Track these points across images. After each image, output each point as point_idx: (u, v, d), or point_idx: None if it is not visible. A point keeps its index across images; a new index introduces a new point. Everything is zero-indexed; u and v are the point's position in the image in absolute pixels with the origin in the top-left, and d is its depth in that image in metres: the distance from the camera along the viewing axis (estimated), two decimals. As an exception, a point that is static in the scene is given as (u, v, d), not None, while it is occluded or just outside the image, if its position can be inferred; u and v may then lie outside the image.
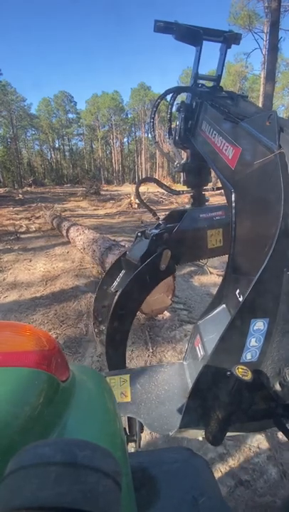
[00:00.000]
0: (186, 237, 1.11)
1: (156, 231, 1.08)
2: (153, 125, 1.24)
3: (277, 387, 0.68)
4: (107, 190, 25.32)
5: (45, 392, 0.39)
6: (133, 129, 54.63)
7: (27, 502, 0.20)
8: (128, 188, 22.57)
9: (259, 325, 0.66)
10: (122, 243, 3.39)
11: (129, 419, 0.92)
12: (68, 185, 37.72)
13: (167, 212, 1.29)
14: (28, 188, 25.45)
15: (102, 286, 1.26)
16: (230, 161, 0.78)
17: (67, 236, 5.37)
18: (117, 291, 1.21)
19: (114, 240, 3.11)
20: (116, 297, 1.09)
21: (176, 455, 0.61)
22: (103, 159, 56.24)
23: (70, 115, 52.90)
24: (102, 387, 0.53)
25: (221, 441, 0.72)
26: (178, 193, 1.37)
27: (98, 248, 3.53)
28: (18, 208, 12.24)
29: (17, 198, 16.43)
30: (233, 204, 0.78)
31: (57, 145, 55.52)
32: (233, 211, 0.78)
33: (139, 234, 1.19)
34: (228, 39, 1.05)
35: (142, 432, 0.92)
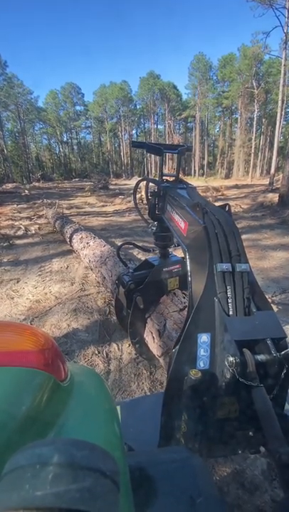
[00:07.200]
0: (153, 286, 1.58)
1: (131, 282, 1.55)
2: (136, 204, 1.77)
3: (222, 385, 0.81)
4: (115, 184, 24.24)
5: (43, 392, 0.39)
6: (142, 120, 52.82)
7: (25, 502, 0.20)
8: (138, 182, 21.35)
9: (204, 338, 0.87)
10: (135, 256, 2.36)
11: None
12: (77, 179, 36.76)
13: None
14: (36, 184, 24.67)
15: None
16: (183, 230, 1.11)
17: (70, 245, 4.41)
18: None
19: (126, 265, 2.17)
20: (128, 323, 1.62)
21: (174, 455, 0.61)
22: (111, 152, 54.85)
23: (78, 107, 51.51)
24: (100, 386, 0.53)
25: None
26: (149, 250, 1.86)
27: (108, 274, 2.57)
28: (22, 206, 11.44)
29: (23, 194, 15.68)
30: (188, 258, 1.03)
31: (65, 139, 54.47)
32: (188, 262, 1.02)
33: (116, 282, 1.69)
34: (181, 151, 1.44)
35: None
